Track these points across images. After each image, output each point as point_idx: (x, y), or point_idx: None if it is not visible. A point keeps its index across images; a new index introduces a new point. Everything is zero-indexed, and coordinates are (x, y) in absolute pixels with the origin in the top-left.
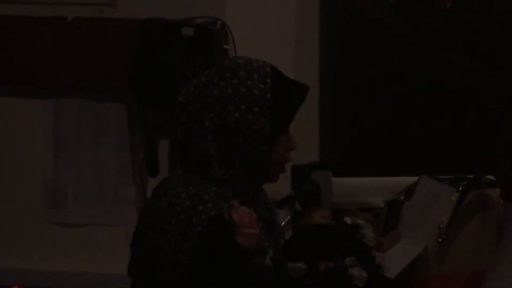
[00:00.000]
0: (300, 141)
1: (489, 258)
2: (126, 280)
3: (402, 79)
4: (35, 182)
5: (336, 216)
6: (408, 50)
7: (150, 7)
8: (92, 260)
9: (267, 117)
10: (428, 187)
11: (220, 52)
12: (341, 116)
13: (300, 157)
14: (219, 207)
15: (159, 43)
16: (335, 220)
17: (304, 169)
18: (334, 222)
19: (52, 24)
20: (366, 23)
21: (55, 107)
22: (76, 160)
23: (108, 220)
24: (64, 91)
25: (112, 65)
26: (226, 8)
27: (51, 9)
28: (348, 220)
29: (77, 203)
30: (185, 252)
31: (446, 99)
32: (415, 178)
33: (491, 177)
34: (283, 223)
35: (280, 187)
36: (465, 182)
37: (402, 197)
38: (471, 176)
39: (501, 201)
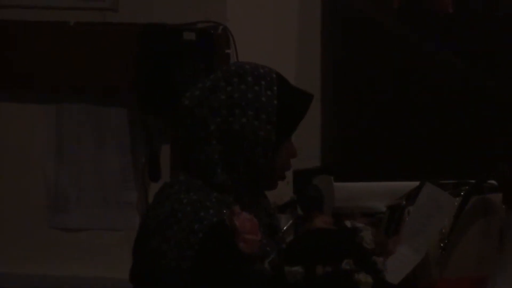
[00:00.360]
0: (302, 145)
1: (491, 263)
2: (128, 285)
3: (404, 82)
4: (36, 186)
5: (338, 221)
6: (409, 53)
7: (152, 11)
8: (93, 264)
9: (273, 124)
10: (430, 194)
11: (222, 57)
12: (343, 120)
13: (302, 161)
14: (221, 213)
15: (160, 47)
16: (337, 225)
17: (306, 173)
18: (335, 228)
19: (54, 29)
20: (368, 27)
21: (56, 111)
22: (77, 164)
23: (109, 225)
24: (66, 95)
25: (114, 70)
26: (228, 13)
27: (53, 14)
28: (347, 223)
29: (78, 207)
30: (187, 258)
31: (448, 102)
32: (416, 183)
33: (493, 182)
34: (285, 228)
35: (282, 192)
36: (467, 187)
37: (404, 202)
38: (473, 181)
39: (503, 206)
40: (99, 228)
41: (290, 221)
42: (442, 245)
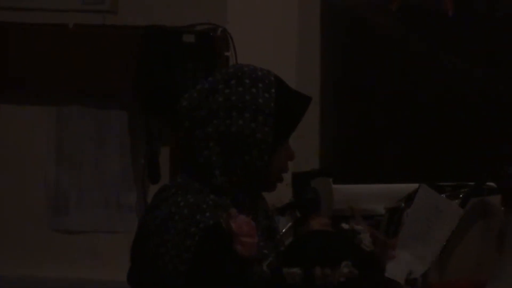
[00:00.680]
0: (301, 148)
1: (490, 266)
2: (127, 287)
3: (403, 84)
4: (37, 189)
5: (336, 223)
6: (408, 55)
7: (151, 14)
8: (94, 267)
9: (270, 126)
10: (428, 197)
11: (221, 59)
12: (341, 123)
13: (301, 164)
14: (217, 216)
15: (160, 49)
16: (335, 227)
17: (305, 176)
18: (333, 230)
19: (53, 31)
20: (367, 29)
21: (56, 114)
22: (78, 167)
23: (110, 227)
24: (66, 98)
25: (113, 72)
26: (227, 15)
27: (52, 16)
28: (345, 226)
29: (79, 209)
30: (184, 261)
31: (447, 103)
32: (415, 185)
33: (492, 184)
34: (284, 230)
35: (281, 194)
36: (466, 189)
37: (403, 204)
38: (472, 183)
39: (503, 208)
40: (99, 230)
41: (289, 224)
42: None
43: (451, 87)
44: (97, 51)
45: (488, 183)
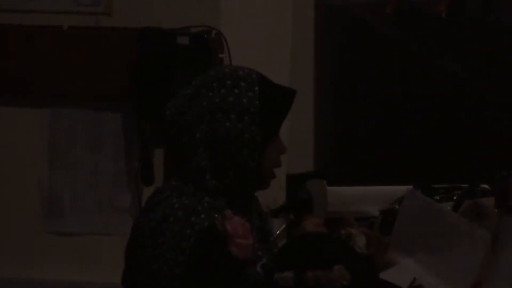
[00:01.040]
0: (295, 150)
1: (484, 268)
2: None
3: (398, 87)
4: (31, 191)
5: (332, 226)
6: (403, 57)
7: (145, 16)
8: (88, 269)
9: (257, 124)
10: (418, 201)
11: (216, 61)
12: (336, 125)
13: (296, 166)
14: (212, 218)
15: (154, 51)
16: (329, 229)
17: (299, 178)
18: (326, 230)
19: (47, 33)
20: (361, 31)
21: (50, 116)
22: (72, 169)
23: (104, 229)
24: (59, 100)
25: (107, 74)
26: (221, 17)
27: (46, 18)
28: (342, 231)
29: (73, 212)
30: (180, 263)
31: (441, 106)
32: (410, 187)
33: (486, 186)
34: (278, 232)
35: (275, 196)
36: (460, 191)
37: (397, 206)
38: (466, 185)
39: (496, 210)
40: (93, 232)
41: (283, 226)
42: None
43: (446, 89)
44: (91, 53)
45: (481, 185)
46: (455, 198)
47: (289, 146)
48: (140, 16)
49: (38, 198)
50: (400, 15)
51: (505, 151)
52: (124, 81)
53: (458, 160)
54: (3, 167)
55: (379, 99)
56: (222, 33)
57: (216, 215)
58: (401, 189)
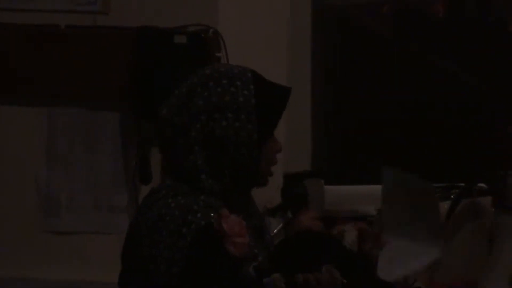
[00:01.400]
0: (293, 149)
1: (480, 266)
2: None
3: (394, 86)
4: (28, 190)
5: (328, 224)
6: (400, 57)
7: (142, 15)
8: (85, 268)
9: (254, 123)
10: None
11: (213, 60)
12: (333, 124)
13: (293, 165)
14: (209, 217)
15: (152, 50)
16: (325, 224)
17: (297, 177)
18: (322, 224)
19: (44, 32)
20: (358, 32)
21: (48, 115)
22: (69, 168)
23: (101, 228)
24: (57, 99)
25: (105, 73)
26: (219, 16)
27: (43, 17)
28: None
29: (70, 211)
30: (177, 262)
31: (437, 105)
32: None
33: (483, 185)
34: (275, 231)
35: (272, 196)
36: (457, 190)
37: None
38: (463, 185)
39: (493, 209)
40: (90, 231)
41: (281, 225)
42: None
43: (444, 89)
44: (89, 52)
45: (478, 185)
46: (452, 197)
47: (286, 145)
48: (137, 15)
49: (35, 196)
50: (397, 15)
51: (502, 151)
52: (121, 80)
53: (455, 159)
54: (1, 166)
55: (376, 99)
56: (219, 32)
57: (212, 214)
58: None
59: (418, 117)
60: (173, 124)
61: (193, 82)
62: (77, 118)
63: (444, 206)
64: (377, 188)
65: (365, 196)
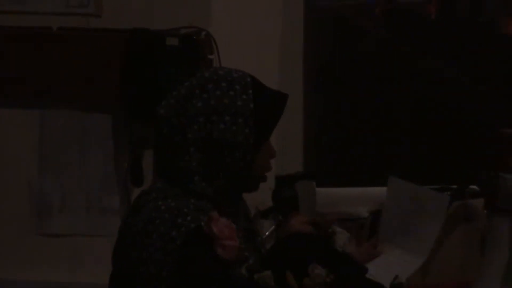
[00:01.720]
0: (285, 151)
1: (473, 269)
2: None
3: (386, 87)
4: (20, 192)
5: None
6: (391, 57)
7: (135, 17)
8: (77, 270)
9: (251, 127)
10: (398, 188)
11: (205, 62)
12: (325, 126)
13: (285, 167)
14: (199, 220)
15: (144, 53)
16: (315, 227)
17: (288, 179)
18: (312, 228)
19: (37, 34)
20: (350, 32)
21: (40, 117)
22: (61, 170)
23: (93, 230)
24: (49, 101)
25: (97, 75)
26: (211, 18)
27: (36, 19)
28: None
29: (62, 213)
30: (167, 265)
31: (429, 106)
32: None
33: (475, 187)
34: (267, 233)
35: (264, 197)
36: (449, 192)
37: None
38: (455, 186)
39: (485, 211)
40: (82, 233)
41: (273, 227)
42: None
43: (436, 90)
44: (81, 54)
45: (470, 186)
46: None
47: (278, 147)
48: (130, 18)
49: (27, 199)
50: (390, 16)
51: (494, 153)
52: (114, 82)
53: (447, 161)
54: None
55: (369, 100)
56: (211, 34)
57: (202, 217)
58: None
59: (410, 118)
60: (170, 125)
61: (192, 84)
62: (69, 120)
63: (444, 207)
64: (369, 190)
65: (357, 198)
